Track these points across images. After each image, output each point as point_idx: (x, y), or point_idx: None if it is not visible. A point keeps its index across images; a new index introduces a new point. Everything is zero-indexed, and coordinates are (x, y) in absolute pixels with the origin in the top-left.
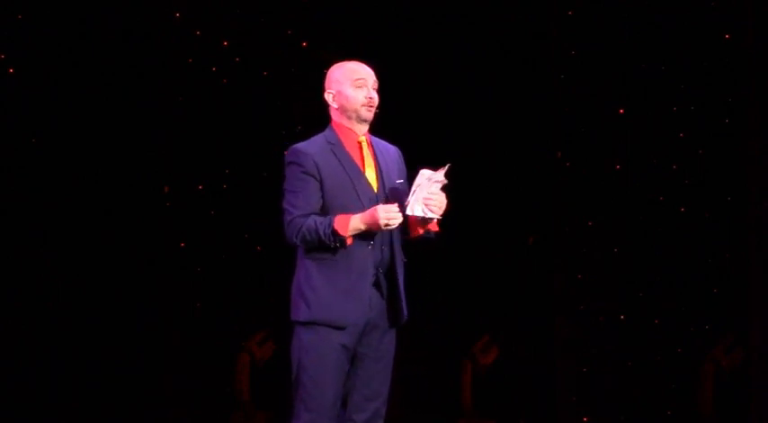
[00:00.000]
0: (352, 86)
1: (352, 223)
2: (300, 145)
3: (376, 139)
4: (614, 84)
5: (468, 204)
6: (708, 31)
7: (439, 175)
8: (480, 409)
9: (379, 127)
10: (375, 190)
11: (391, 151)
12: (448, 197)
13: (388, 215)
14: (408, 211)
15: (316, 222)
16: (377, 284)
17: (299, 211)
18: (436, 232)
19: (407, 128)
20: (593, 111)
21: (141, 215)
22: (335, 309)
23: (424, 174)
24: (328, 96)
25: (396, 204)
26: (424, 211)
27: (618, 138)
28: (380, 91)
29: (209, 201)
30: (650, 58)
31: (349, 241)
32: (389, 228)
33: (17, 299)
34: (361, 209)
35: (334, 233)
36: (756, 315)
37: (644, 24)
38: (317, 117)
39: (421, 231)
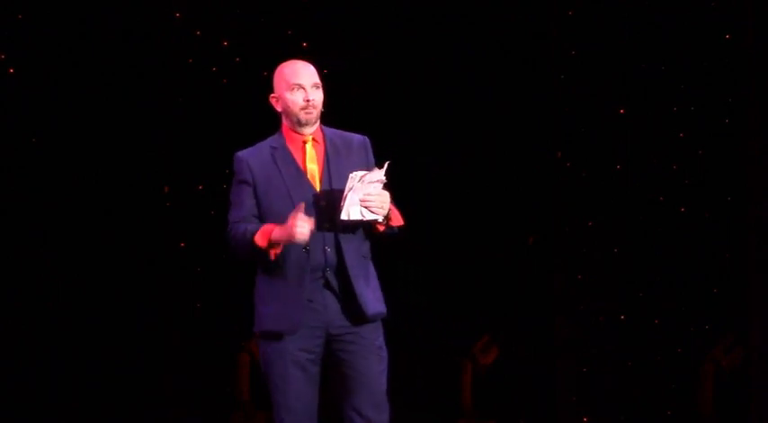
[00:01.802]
0: (289, 91)
1: (274, 235)
2: (240, 152)
3: (336, 133)
4: (614, 84)
5: (468, 204)
6: (708, 31)
7: (376, 175)
8: (480, 409)
9: (378, 126)
10: (317, 189)
11: (353, 143)
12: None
13: (299, 227)
14: (343, 216)
15: (243, 232)
16: (327, 285)
17: (233, 219)
18: (399, 226)
19: (407, 128)
20: (593, 111)
21: (141, 215)
22: (277, 317)
23: (355, 177)
24: (273, 100)
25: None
26: (362, 214)
27: (618, 138)
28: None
29: (209, 201)
30: (650, 58)
31: (272, 254)
32: (300, 239)
33: (17, 299)
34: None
35: (253, 244)
36: (756, 315)
37: (644, 24)
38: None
39: (382, 228)
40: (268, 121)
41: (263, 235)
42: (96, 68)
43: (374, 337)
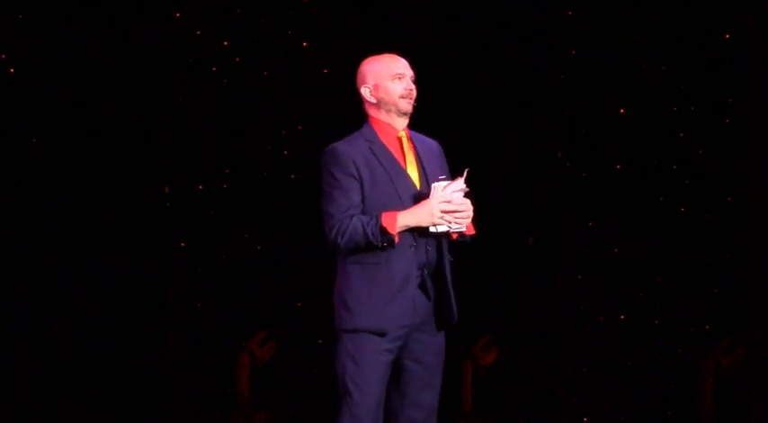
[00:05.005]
0: (391, 79)
1: (400, 220)
2: (337, 144)
3: (415, 134)
4: (614, 84)
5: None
6: (708, 31)
7: (457, 185)
8: (480, 409)
9: None
10: (417, 187)
11: (432, 146)
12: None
13: (442, 207)
14: (431, 229)
15: (362, 222)
16: (422, 286)
17: (342, 212)
18: (472, 235)
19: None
20: (593, 111)
21: (141, 215)
22: (379, 314)
23: (438, 187)
24: (365, 91)
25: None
26: (448, 226)
27: (618, 138)
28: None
29: (209, 201)
30: (650, 58)
31: (397, 240)
32: (439, 224)
33: (17, 299)
34: (402, 208)
35: (383, 231)
36: (756, 315)
37: (644, 24)
38: (317, 117)
39: (455, 236)
40: (268, 121)
41: (390, 222)
42: (96, 68)
43: (442, 347)
